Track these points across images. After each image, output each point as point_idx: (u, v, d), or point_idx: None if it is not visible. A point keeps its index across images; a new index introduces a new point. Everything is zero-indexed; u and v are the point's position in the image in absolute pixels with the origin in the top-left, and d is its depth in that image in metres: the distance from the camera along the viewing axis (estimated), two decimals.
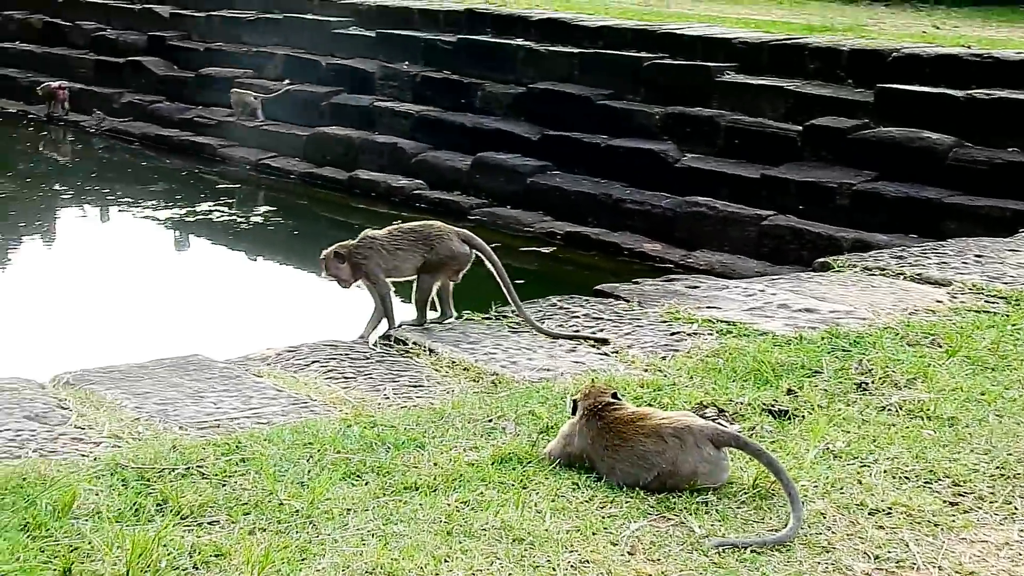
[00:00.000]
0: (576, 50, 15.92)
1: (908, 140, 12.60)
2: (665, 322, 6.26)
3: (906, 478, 4.36)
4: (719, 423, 4.62)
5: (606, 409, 4.39)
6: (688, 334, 6.03)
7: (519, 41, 16.62)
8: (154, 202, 16.57)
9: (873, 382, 5.23)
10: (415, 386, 5.49)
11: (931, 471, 4.40)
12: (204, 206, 16.20)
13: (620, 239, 13.73)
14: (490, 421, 4.89)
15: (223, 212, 15.95)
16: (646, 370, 5.53)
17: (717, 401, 4.98)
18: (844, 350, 5.66)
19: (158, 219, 15.77)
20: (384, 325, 6.48)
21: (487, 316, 6.52)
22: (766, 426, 4.79)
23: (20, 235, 15.44)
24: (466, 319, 6.52)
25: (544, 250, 13.89)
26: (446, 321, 6.47)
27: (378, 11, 18.77)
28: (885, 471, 4.40)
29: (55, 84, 21.27)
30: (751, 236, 12.87)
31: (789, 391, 5.12)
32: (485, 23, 17.34)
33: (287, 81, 18.69)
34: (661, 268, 12.39)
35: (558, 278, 12.53)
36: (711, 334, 6.02)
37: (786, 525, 3.96)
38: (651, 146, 14.39)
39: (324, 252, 6.50)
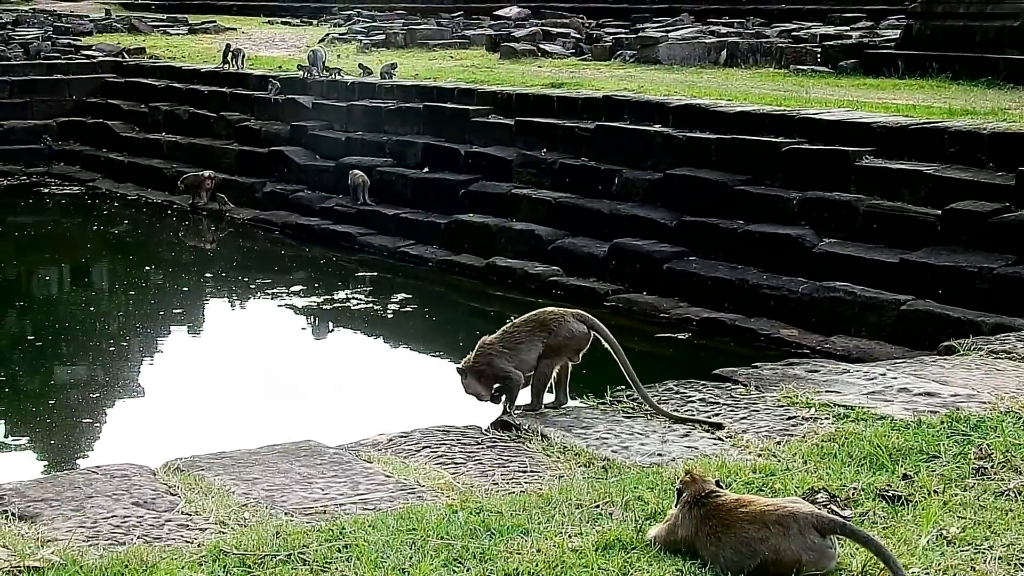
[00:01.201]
0: (713, 136, 15.85)
1: None
2: (781, 406, 6.13)
3: (1022, 565, 4.20)
4: (830, 509, 4.50)
5: (709, 496, 4.31)
6: (804, 418, 5.90)
7: (657, 127, 16.59)
8: (293, 290, 16.78)
9: (992, 467, 5.06)
10: (524, 471, 5.43)
11: None
12: (342, 294, 16.38)
13: (756, 325, 13.56)
14: (597, 507, 4.81)
15: (361, 300, 16.09)
16: (759, 455, 5.42)
17: (830, 486, 4.85)
18: (964, 434, 5.48)
19: (296, 307, 15.94)
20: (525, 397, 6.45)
21: (602, 401, 6.45)
22: (879, 511, 4.65)
23: (162, 324, 15.71)
24: (579, 405, 6.45)
25: (680, 336, 13.78)
26: (561, 407, 6.40)
27: (517, 99, 18.89)
28: (1000, 558, 4.25)
29: (205, 174, 21.68)
30: (889, 321, 12.63)
31: (904, 476, 4.97)
32: (623, 110, 17.36)
33: (426, 169, 18.92)
34: (798, 354, 12.15)
35: (693, 364, 12.39)
36: (828, 418, 5.87)
37: None
38: (788, 231, 14.23)
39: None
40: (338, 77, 22.43)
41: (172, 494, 5.17)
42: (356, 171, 19.53)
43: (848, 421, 5.81)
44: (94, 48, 30.32)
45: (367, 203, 19.16)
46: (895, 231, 13.47)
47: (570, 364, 6.40)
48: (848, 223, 13.95)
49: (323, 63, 23.04)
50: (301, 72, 23.11)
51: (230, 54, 25.32)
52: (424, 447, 5.82)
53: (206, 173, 21.74)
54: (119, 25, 36.70)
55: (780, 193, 14.73)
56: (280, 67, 24.64)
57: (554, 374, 6.37)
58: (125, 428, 11.62)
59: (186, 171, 22.26)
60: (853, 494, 4.79)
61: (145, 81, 26.87)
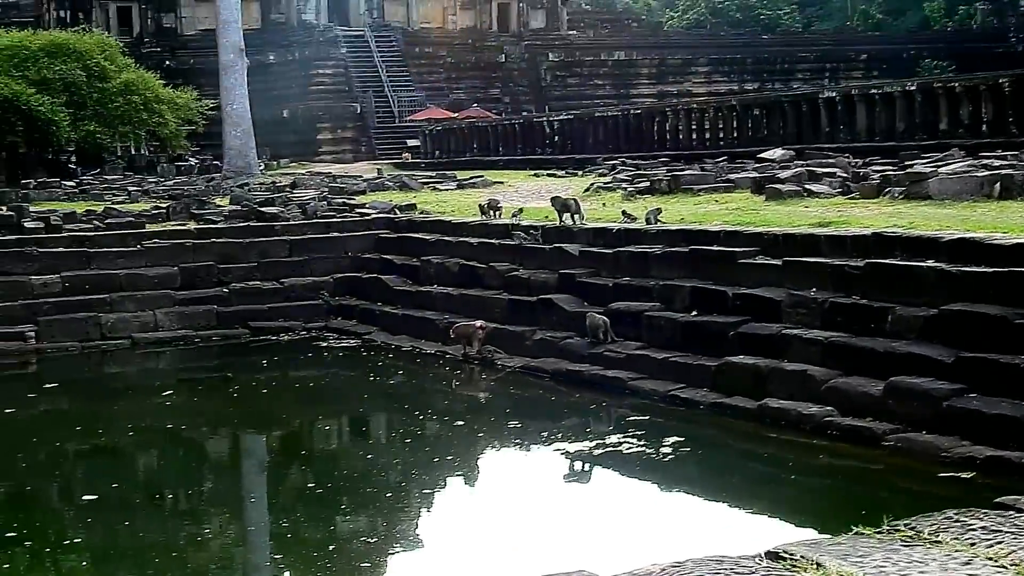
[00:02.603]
0: (990, 270, 15.43)
1: None
2: None
3: None
4: None
5: None
6: None
7: (929, 263, 16.23)
8: (565, 436, 16.82)
9: None
10: None
11: None
12: (613, 438, 16.31)
13: None
14: None
15: (632, 444, 16.00)
16: None
17: None
18: None
19: (568, 452, 15.95)
20: None
21: (878, 530, 6.29)
22: None
23: (437, 471, 15.94)
24: (855, 533, 6.31)
25: (963, 475, 13.33)
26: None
27: (783, 240, 18.76)
28: None
29: (477, 323, 22.08)
30: None
31: None
32: (893, 246, 17.04)
33: (694, 312, 18.90)
34: None
35: (980, 504, 12.00)
36: None
37: None
38: None
39: None
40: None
41: None
42: (593, 313, 19.93)
43: None
44: (367, 206, 31.31)
45: (610, 343, 19.39)
46: None
47: None
48: None
49: (581, 212, 23.49)
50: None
51: (488, 207, 26.12)
52: None
53: (477, 323, 22.14)
54: (391, 184, 37.91)
55: None
56: (546, 217, 24.99)
57: None
58: (406, 571, 11.88)
59: (457, 321, 22.68)
60: None
61: (416, 236, 27.62)
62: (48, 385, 22.89)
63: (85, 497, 14.79)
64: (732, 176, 28.13)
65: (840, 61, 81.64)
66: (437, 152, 57.76)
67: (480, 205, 27.04)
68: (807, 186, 24.29)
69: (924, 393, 14.71)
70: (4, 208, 30.53)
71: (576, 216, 23.34)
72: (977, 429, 13.97)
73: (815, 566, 5.74)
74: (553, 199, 24.62)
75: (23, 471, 16.65)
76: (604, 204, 26.64)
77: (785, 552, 5.99)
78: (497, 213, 26.08)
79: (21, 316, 25.37)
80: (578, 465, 15.52)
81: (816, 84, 68.42)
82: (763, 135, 39.04)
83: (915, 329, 15.76)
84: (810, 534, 11.31)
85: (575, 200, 24.24)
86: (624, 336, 19.72)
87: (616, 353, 19.43)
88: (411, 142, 63.31)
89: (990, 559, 5.67)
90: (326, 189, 36.17)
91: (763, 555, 6.08)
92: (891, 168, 25.34)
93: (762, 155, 33.10)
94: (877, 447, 14.50)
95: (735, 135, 40.81)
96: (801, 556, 5.88)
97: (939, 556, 5.74)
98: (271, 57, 72.28)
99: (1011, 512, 6.41)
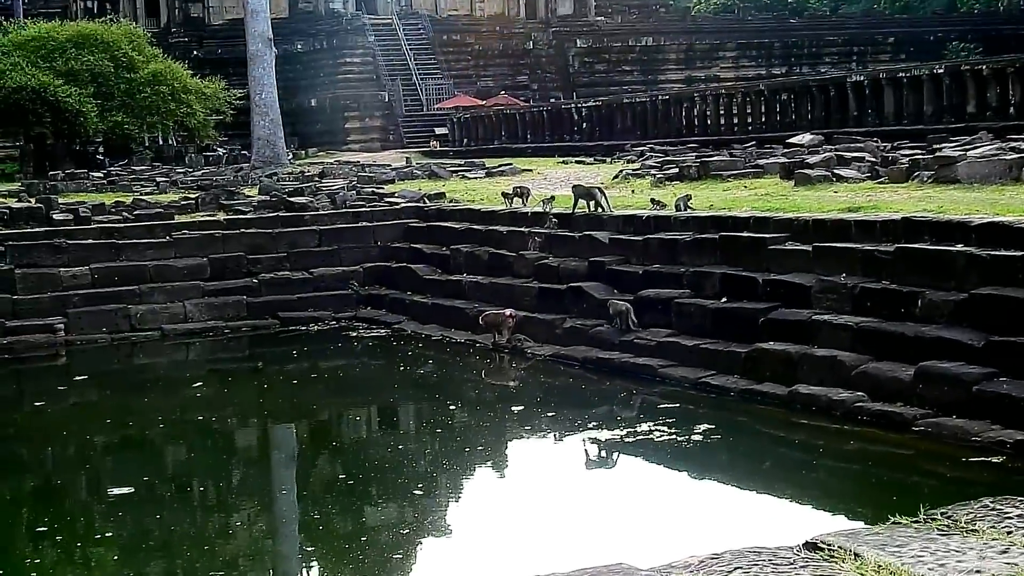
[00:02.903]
0: (1019, 253, 15.36)
1: None
2: None
3: None
4: None
5: None
6: None
7: (959, 247, 16.16)
8: (595, 423, 16.80)
9: None
10: None
11: None
12: (644, 426, 16.29)
13: None
14: None
15: (663, 431, 15.97)
16: None
17: None
18: None
19: (599, 440, 15.94)
20: None
21: (915, 520, 6.27)
22: None
23: (467, 460, 15.95)
24: (893, 523, 6.29)
25: (993, 460, 13.30)
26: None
27: (813, 225, 18.70)
28: None
29: (507, 312, 22.07)
30: None
31: None
32: (923, 231, 16.98)
33: (724, 299, 18.84)
34: None
35: (1012, 489, 11.94)
36: None
37: None
38: None
39: None
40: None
41: None
42: (616, 300, 20.10)
43: None
44: (396, 195, 31.27)
45: (633, 329, 19.60)
46: None
47: None
48: None
49: (607, 199, 23.49)
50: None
51: (514, 193, 26.13)
52: (736, 568, 5.72)
53: (507, 312, 22.13)
54: (419, 172, 37.89)
55: None
56: (575, 206, 24.97)
57: None
58: (438, 562, 11.88)
59: (487, 310, 22.67)
60: None
61: (445, 224, 27.61)
62: (78, 377, 22.98)
63: (116, 490, 14.84)
64: (761, 162, 28.02)
65: (868, 44, 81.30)
66: (465, 140, 57.69)
67: (504, 192, 27.00)
68: (836, 171, 24.18)
69: (954, 377, 14.67)
70: (33, 200, 30.67)
71: (601, 204, 23.27)
72: (1008, 413, 13.94)
73: (853, 556, 5.72)
74: (575, 187, 24.57)
75: (53, 464, 16.73)
76: (633, 191, 26.61)
77: (823, 543, 5.97)
78: (524, 200, 26.03)
79: (50, 308, 25.45)
80: (609, 453, 15.50)
81: (844, 68, 68.22)
82: (791, 120, 38.91)
83: (945, 314, 15.71)
84: (843, 521, 11.32)
85: (599, 188, 24.19)
86: (654, 323, 19.71)
87: (646, 340, 19.41)
88: (439, 130, 63.30)
89: None
90: (355, 178, 36.18)
91: (801, 546, 6.07)
92: (920, 152, 25.23)
93: (790, 140, 33.00)
94: (907, 432, 14.48)
95: (763, 120, 40.66)
96: (839, 546, 5.86)
97: (976, 545, 5.72)
98: (299, 46, 72.40)
99: None
